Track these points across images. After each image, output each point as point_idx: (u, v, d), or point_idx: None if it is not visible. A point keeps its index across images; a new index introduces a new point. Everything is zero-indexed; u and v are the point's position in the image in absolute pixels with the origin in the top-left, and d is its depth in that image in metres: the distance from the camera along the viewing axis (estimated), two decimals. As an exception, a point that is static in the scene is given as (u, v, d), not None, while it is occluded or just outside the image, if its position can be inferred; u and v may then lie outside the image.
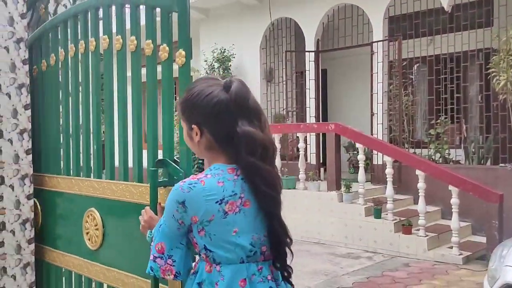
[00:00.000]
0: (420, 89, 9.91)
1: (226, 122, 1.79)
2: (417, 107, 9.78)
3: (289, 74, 10.89)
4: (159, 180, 2.42)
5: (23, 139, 3.35)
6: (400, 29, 9.18)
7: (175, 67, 2.50)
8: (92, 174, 3.18)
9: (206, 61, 11.31)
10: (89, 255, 3.06)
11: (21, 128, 3.34)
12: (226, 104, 1.79)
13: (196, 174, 1.84)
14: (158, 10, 2.67)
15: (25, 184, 3.35)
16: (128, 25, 2.90)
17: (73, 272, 3.31)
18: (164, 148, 2.56)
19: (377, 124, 9.12)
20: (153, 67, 2.69)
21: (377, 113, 9.16)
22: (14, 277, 3.26)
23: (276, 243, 1.84)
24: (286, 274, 1.89)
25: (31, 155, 3.37)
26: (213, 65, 11.16)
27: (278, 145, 8.88)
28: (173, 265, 1.88)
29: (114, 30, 3.01)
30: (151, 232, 2.05)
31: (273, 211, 1.82)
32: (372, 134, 8.92)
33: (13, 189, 3.30)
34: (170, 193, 1.84)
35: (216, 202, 1.75)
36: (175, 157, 2.51)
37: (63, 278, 3.42)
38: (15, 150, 3.31)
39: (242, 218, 1.78)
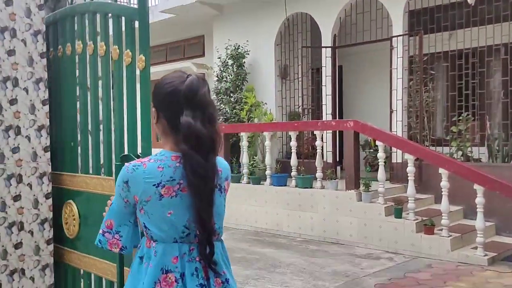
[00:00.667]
0: (440, 85, 9.66)
1: (175, 110, 1.96)
2: (438, 103, 9.54)
3: (304, 71, 10.68)
4: None
5: (41, 136, 3.25)
6: (421, 23, 8.93)
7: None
8: (69, 169, 3.34)
9: (219, 58, 11.15)
10: (69, 243, 3.33)
11: (39, 124, 3.25)
12: (177, 94, 1.97)
13: (142, 158, 2.08)
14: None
15: (43, 183, 3.25)
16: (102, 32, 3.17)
17: (92, 274, 3.24)
18: (128, 145, 2.83)
19: (396, 121, 8.89)
20: (119, 70, 2.94)
21: (396, 110, 8.94)
22: (32, 279, 3.17)
23: (200, 230, 1.96)
24: (208, 262, 1.99)
25: (49, 153, 3.27)
26: (227, 62, 10.99)
27: (294, 143, 8.71)
28: (120, 240, 2.10)
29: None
30: None
31: (196, 200, 1.93)
32: (391, 132, 8.70)
33: (31, 188, 3.21)
34: (119, 174, 2.04)
35: (153, 185, 1.94)
36: (138, 153, 2.74)
37: (82, 280, 3.30)
38: (33, 148, 3.22)
39: (178, 202, 1.95)
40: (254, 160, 9.68)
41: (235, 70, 10.93)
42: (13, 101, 3.17)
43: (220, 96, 10.93)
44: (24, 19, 3.19)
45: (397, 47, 8.93)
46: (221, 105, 10.77)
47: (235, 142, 10.21)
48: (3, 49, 3.12)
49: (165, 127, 2.04)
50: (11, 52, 3.15)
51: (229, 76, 10.99)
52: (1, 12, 3.13)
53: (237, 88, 10.84)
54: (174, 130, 1.99)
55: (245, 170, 9.49)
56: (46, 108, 3.28)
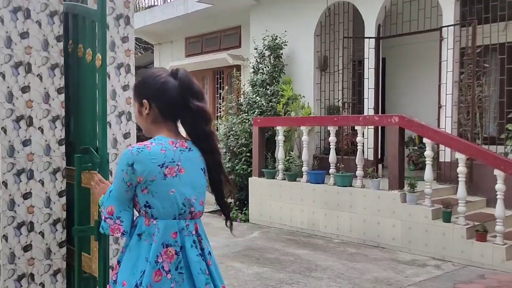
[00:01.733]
0: (494, 79, 8.98)
1: (173, 99, 2.27)
2: (491, 99, 8.87)
3: (345, 63, 10.15)
4: (84, 165, 2.80)
5: (56, 127, 2.99)
6: (474, 13, 8.28)
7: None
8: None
9: (256, 49, 10.72)
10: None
11: (53, 114, 2.99)
12: (173, 84, 2.27)
13: (141, 143, 2.24)
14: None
15: (56, 179, 2.99)
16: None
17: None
18: (89, 138, 2.88)
19: (445, 117, 8.28)
20: (91, 70, 2.91)
21: (445, 105, 8.32)
22: (42, 285, 2.90)
23: (218, 196, 2.41)
24: (229, 222, 2.48)
25: (64, 146, 3.01)
26: (264, 53, 10.56)
27: (333, 138, 8.26)
28: (121, 225, 2.25)
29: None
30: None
31: (217, 165, 2.37)
32: (439, 128, 8.10)
33: (43, 185, 2.95)
34: (120, 159, 2.24)
35: (158, 166, 2.19)
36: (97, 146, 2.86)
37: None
38: (46, 140, 2.97)
39: (177, 182, 2.22)
40: (290, 156, 9.23)
41: (272, 61, 10.49)
42: (25, 89, 2.93)
43: (255, 88, 10.51)
44: (40, -2, 2.92)
45: (447, 38, 8.31)
46: (257, 97, 10.35)
47: (270, 137, 9.79)
48: (16, 31, 2.89)
49: (157, 116, 2.29)
50: (24, 35, 2.91)
51: (265, 67, 10.56)
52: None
53: (274, 80, 10.40)
54: (166, 117, 2.29)
55: (280, 166, 9.06)
56: (62, 97, 3.03)
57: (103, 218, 2.25)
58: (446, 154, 8.10)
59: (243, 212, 9.72)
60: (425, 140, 7.16)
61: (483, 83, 8.26)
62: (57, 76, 3.02)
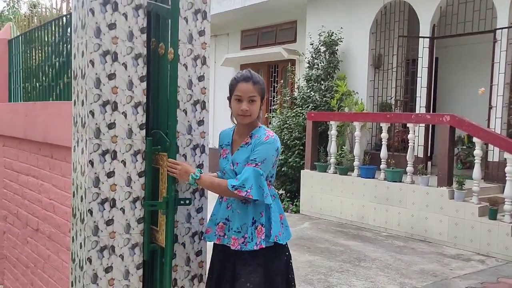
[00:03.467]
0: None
1: None
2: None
3: (399, 61, 10.37)
4: (154, 147, 3.14)
5: (137, 113, 3.19)
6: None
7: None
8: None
9: (312, 44, 11.03)
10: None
11: (136, 101, 3.19)
12: None
13: (266, 131, 3.00)
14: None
15: (137, 161, 3.19)
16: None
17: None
18: (162, 124, 3.16)
19: (495, 118, 8.46)
20: (165, 63, 3.16)
21: (495, 106, 8.50)
22: (122, 257, 3.17)
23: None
24: None
25: (144, 130, 3.21)
26: (319, 48, 10.86)
27: (385, 135, 8.54)
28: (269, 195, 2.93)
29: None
30: (194, 174, 2.95)
31: None
32: (489, 129, 8.29)
33: (125, 165, 3.16)
34: (268, 146, 2.91)
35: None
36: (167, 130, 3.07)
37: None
38: (128, 124, 3.17)
39: None
40: (342, 150, 9.55)
41: (327, 57, 10.78)
42: (111, 76, 3.13)
43: (310, 83, 10.83)
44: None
45: (501, 40, 8.47)
46: (311, 92, 10.67)
47: (323, 131, 10.11)
48: (104, 22, 3.10)
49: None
50: (112, 26, 3.12)
51: (320, 63, 10.86)
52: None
53: (328, 76, 10.70)
54: None
55: (332, 160, 9.40)
56: (144, 85, 3.22)
57: (266, 196, 2.88)
58: (494, 154, 8.29)
59: (294, 204, 10.10)
60: (474, 139, 7.39)
61: (535, 85, 8.38)
62: (140, 65, 3.19)
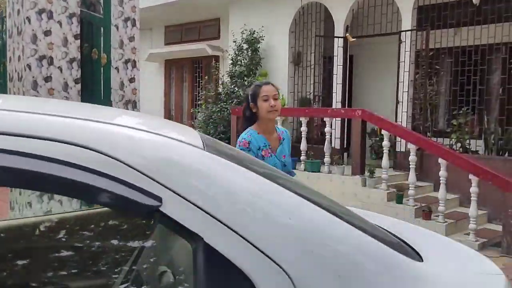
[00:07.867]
0: (444, 80, 10.13)
1: None
2: (441, 97, 10.02)
3: (317, 59, 11.10)
4: None
5: None
6: (429, 20, 9.38)
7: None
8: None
9: (235, 41, 11.51)
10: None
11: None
12: None
13: (280, 126, 3.77)
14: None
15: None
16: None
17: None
18: None
19: (402, 112, 9.39)
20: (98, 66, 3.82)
21: (402, 101, 9.42)
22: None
23: None
24: None
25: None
26: (242, 46, 11.37)
27: (304, 128, 9.19)
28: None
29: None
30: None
31: None
32: (396, 122, 9.20)
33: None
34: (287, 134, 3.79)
35: None
36: None
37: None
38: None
39: None
40: (265, 143, 10.09)
41: (249, 54, 11.29)
42: (47, 79, 3.49)
43: (234, 79, 11.33)
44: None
45: (405, 41, 9.37)
46: (235, 88, 11.18)
47: (248, 125, 10.59)
48: (40, 30, 3.31)
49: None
50: (47, 33, 3.42)
51: (243, 60, 11.36)
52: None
53: (251, 72, 11.22)
54: None
55: (257, 152, 9.92)
56: (78, 86, 3.54)
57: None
58: (401, 145, 9.21)
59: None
60: (383, 131, 8.22)
61: (434, 82, 9.38)
62: (74, 68, 3.45)
